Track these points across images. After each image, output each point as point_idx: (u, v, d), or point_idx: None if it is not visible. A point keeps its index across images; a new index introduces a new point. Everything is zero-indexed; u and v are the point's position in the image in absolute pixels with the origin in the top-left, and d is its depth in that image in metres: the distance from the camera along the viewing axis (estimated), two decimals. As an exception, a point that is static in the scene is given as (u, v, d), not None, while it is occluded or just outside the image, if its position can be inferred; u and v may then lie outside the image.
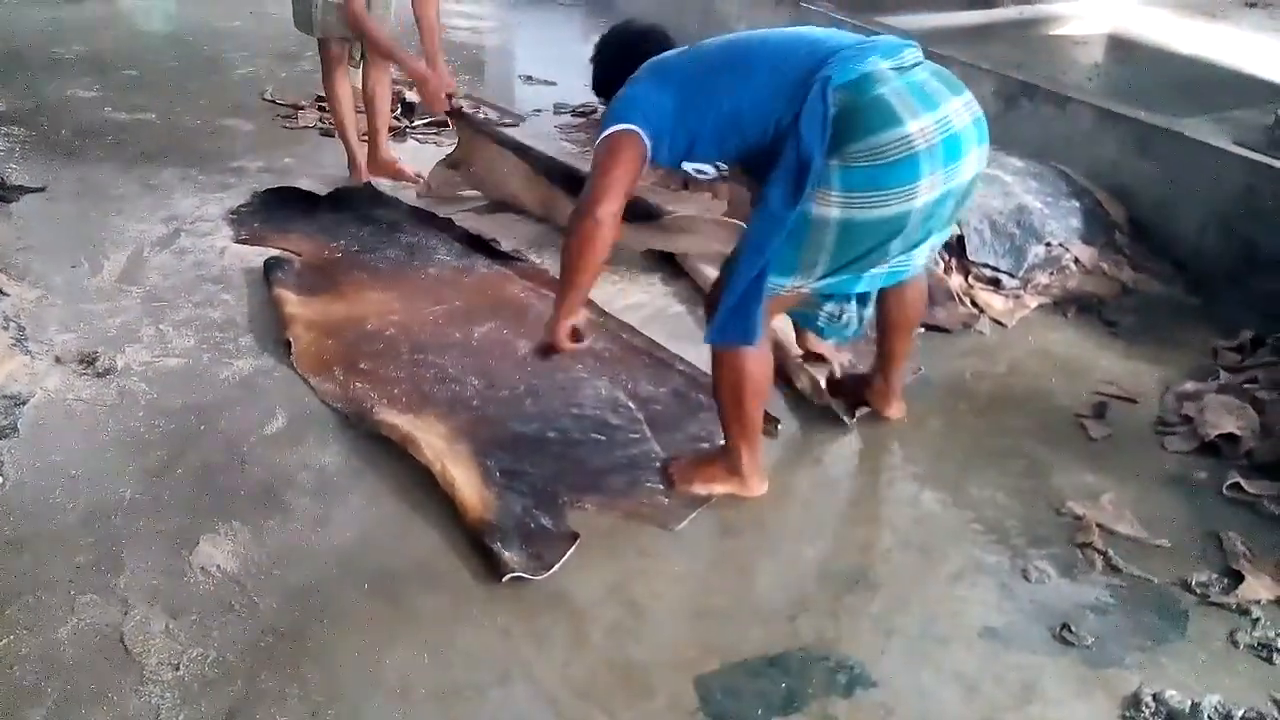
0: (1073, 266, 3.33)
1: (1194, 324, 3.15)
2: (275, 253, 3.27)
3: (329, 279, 3.16)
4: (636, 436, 2.49)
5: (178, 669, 1.78)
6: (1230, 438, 2.55)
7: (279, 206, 3.67)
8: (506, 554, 2.05)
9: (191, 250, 3.30)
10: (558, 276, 2.15)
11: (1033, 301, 3.24)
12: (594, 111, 4.66)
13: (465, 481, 2.24)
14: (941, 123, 1.93)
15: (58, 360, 2.64)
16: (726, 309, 2.04)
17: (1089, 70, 4.51)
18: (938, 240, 2.30)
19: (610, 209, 1.98)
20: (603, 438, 2.48)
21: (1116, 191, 3.62)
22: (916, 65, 2.01)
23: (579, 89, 4.98)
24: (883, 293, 2.35)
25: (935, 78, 2.01)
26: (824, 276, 2.05)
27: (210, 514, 2.15)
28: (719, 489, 2.30)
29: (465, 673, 1.82)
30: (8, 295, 2.88)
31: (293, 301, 2.97)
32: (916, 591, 2.07)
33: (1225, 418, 2.60)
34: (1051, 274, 3.30)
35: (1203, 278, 3.37)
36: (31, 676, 1.76)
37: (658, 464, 2.39)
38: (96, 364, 2.62)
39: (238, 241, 3.38)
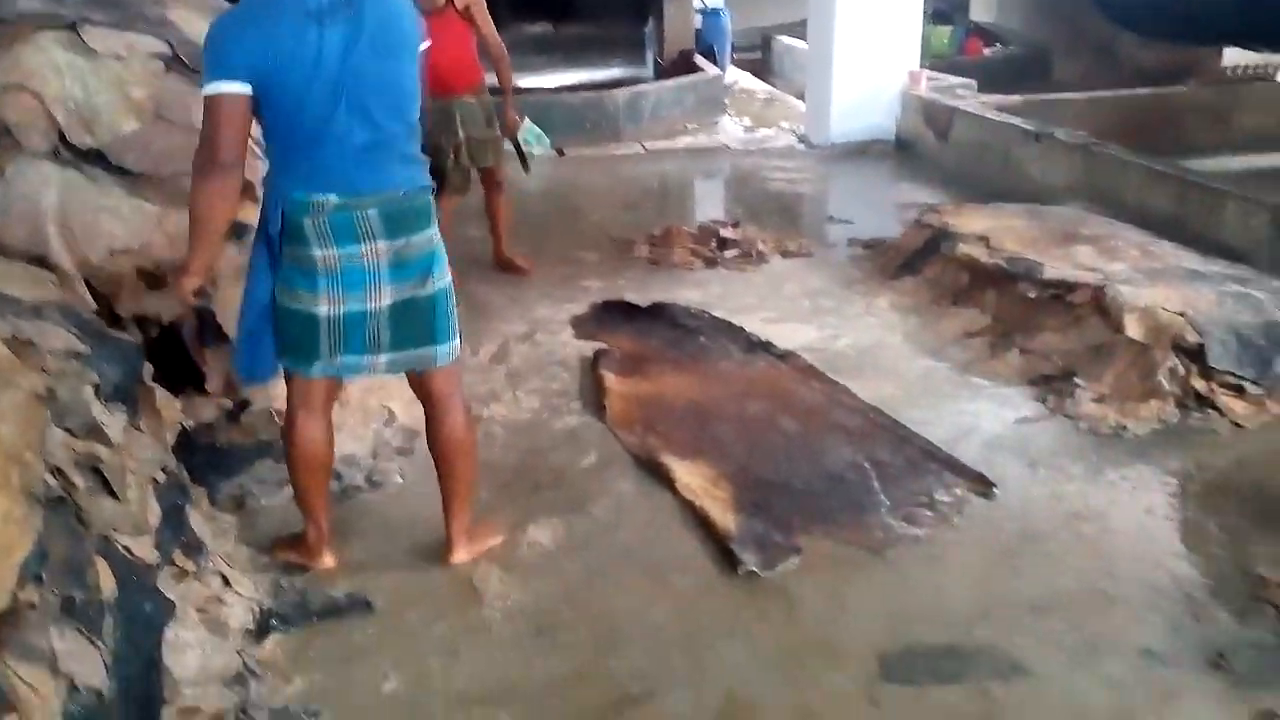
0: (1323, 378, 3.46)
1: None
2: (603, 346, 4.15)
3: (641, 366, 3.98)
4: (867, 489, 3.03)
5: (506, 601, 2.55)
6: None
7: (610, 314, 4.59)
8: (743, 554, 2.67)
9: (543, 343, 4.26)
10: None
11: (1276, 408, 3.40)
12: (880, 243, 5.27)
13: (717, 510, 2.90)
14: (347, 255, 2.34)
15: (443, 411, 3.62)
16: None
17: None
18: (401, 357, 2.49)
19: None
20: (838, 486, 3.05)
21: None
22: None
23: (874, 227, 5.64)
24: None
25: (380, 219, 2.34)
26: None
27: (539, 511, 2.94)
28: (291, 557, 2.70)
29: (703, 626, 2.44)
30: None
31: (611, 379, 3.81)
32: (1089, 622, 2.43)
33: None
34: (1300, 384, 3.46)
35: None
36: (411, 595, 2.58)
37: (883, 509, 2.91)
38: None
39: (577, 338, 4.31)
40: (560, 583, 2.63)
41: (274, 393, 3.34)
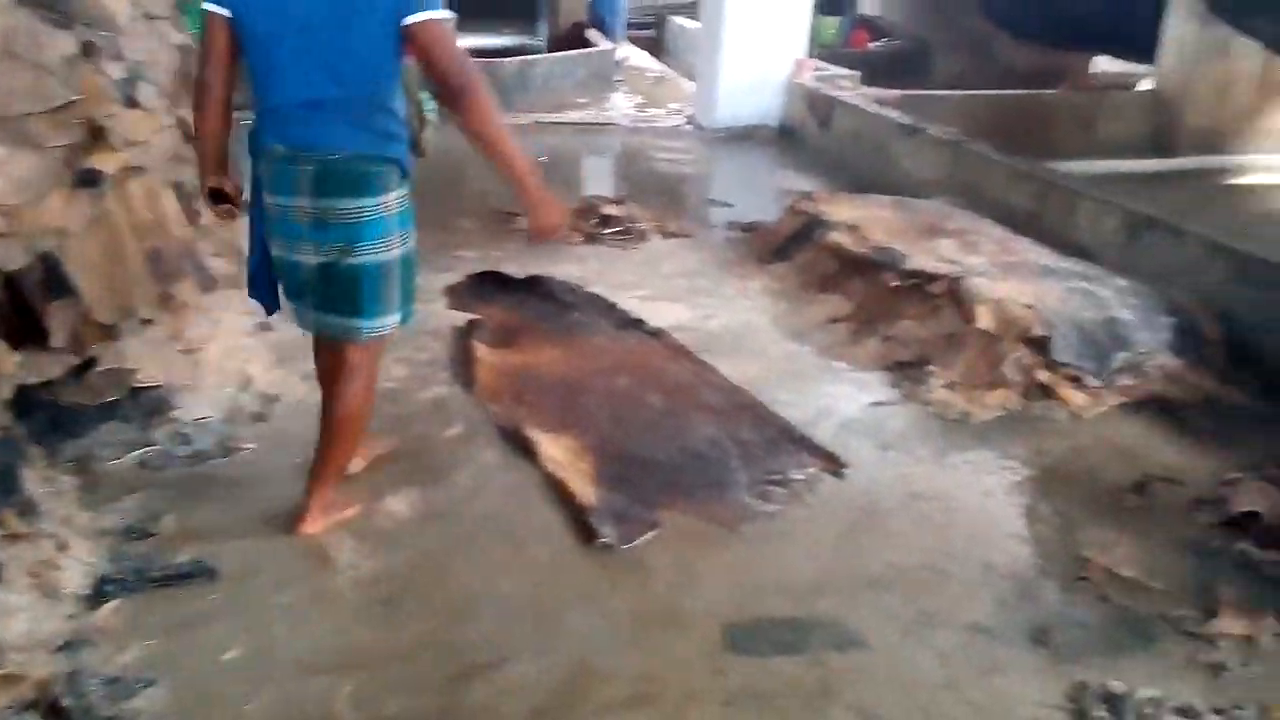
0: (1156, 373, 3.68)
1: (1267, 432, 3.42)
2: (476, 316, 4.12)
3: (513, 338, 3.96)
4: (726, 466, 3.10)
5: (356, 570, 2.53)
6: (1253, 516, 2.86)
7: (485, 285, 4.55)
8: (601, 527, 2.70)
9: (418, 312, 4.20)
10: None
11: (1113, 400, 3.61)
12: (758, 227, 5.36)
13: (579, 483, 2.92)
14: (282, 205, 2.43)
15: (304, 377, 3.52)
16: None
17: (1256, 214, 4.84)
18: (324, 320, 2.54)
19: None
20: (698, 463, 3.10)
21: (1218, 314, 3.94)
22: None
23: (754, 211, 5.73)
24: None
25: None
26: None
27: (398, 481, 2.92)
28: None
29: (556, 595, 2.47)
30: (275, 330, 3.84)
31: (482, 350, 3.78)
32: (923, 597, 2.54)
33: (1254, 498, 2.92)
34: (1135, 378, 3.67)
35: (1289, 394, 3.64)
36: (258, 563, 2.54)
37: (740, 487, 2.98)
38: (332, 380, 3.51)
39: (450, 308, 4.26)
40: (414, 552, 2.62)
41: (126, 353, 3.23)
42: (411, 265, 2.57)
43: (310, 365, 3.58)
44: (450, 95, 2.34)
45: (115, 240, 3.29)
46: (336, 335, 2.56)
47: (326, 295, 2.47)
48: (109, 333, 3.23)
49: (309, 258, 2.44)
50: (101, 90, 3.35)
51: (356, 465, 2.87)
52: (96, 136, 3.27)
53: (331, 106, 2.35)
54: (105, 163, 3.28)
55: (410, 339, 3.92)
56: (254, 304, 2.76)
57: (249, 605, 2.39)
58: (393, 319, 2.56)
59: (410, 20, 2.28)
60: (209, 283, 3.90)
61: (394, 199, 2.44)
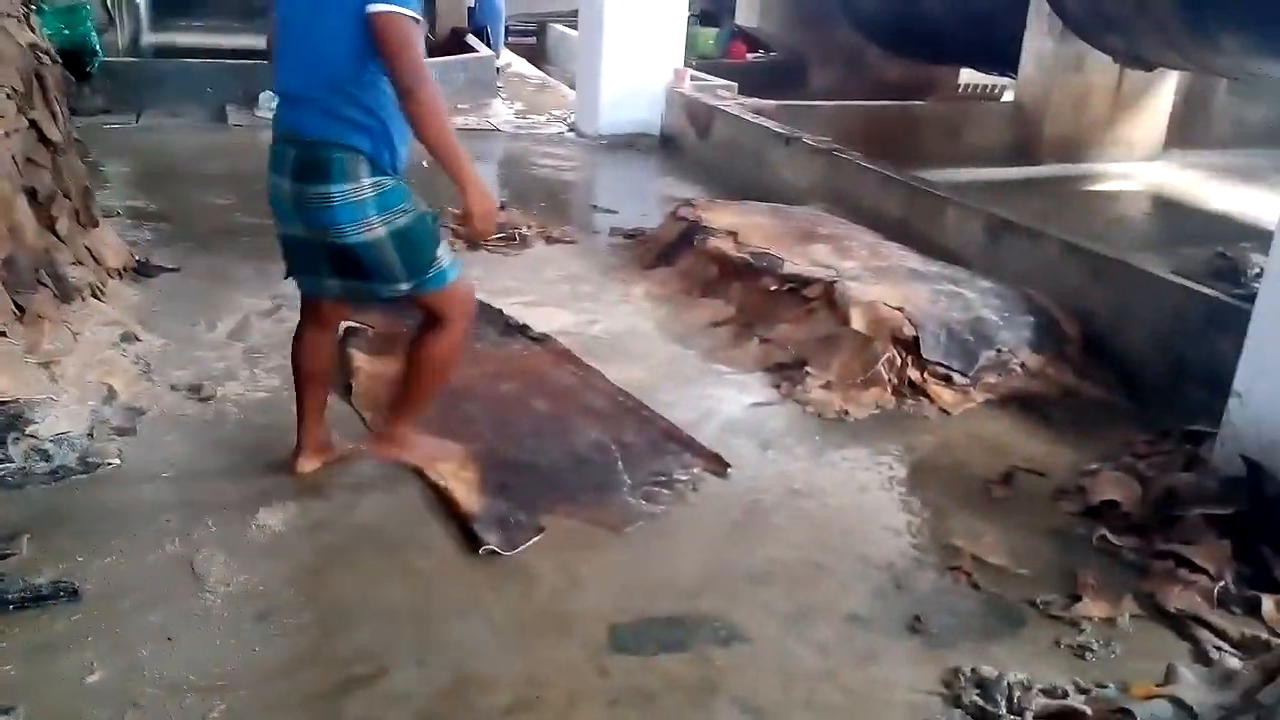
0: (1019, 370, 3.85)
1: (1123, 423, 3.61)
2: (353, 324, 4.03)
3: (392, 345, 3.88)
4: (611, 469, 3.10)
5: (229, 586, 2.44)
6: (1112, 504, 3.02)
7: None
8: (485, 534, 2.67)
9: (288, 320, 4.07)
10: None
11: (979, 396, 3.75)
12: (640, 234, 5.41)
13: (462, 491, 2.89)
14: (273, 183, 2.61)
15: (172, 388, 3.40)
16: None
17: (1110, 219, 5.10)
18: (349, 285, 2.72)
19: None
20: (583, 467, 3.10)
21: (1075, 312, 4.14)
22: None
23: (636, 218, 5.77)
24: None
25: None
26: None
27: (272, 494, 2.83)
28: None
29: (437, 604, 2.43)
30: (141, 340, 3.69)
31: (361, 358, 3.71)
32: (803, 591, 2.59)
33: (1111, 487, 3.07)
34: (999, 375, 3.83)
35: (1141, 387, 3.84)
36: (124, 582, 2.43)
37: (624, 489, 2.99)
38: (201, 391, 3.38)
39: (326, 316, 4.16)
40: (289, 566, 2.55)
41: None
42: (411, 239, 2.61)
43: (179, 374, 3.49)
44: (398, 90, 2.42)
45: (-38, 248, 3.12)
46: (370, 298, 2.82)
47: (342, 266, 2.64)
48: (-43, 345, 3.06)
49: (299, 233, 2.63)
50: (-58, 90, 3.17)
51: (311, 465, 2.96)
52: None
53: (306, 95, 2.52)
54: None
55: (282, 347, 3.81)
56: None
57: (114, 626, 2.28)
58: (421, 275, 2.66)
59: (370, 9, 2.37)
60: (67, 293, 3.73)
61: (367, 184, 2.52)
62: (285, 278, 2.85)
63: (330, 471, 2.98)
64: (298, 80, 2.54)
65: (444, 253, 2.71)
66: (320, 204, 2.51)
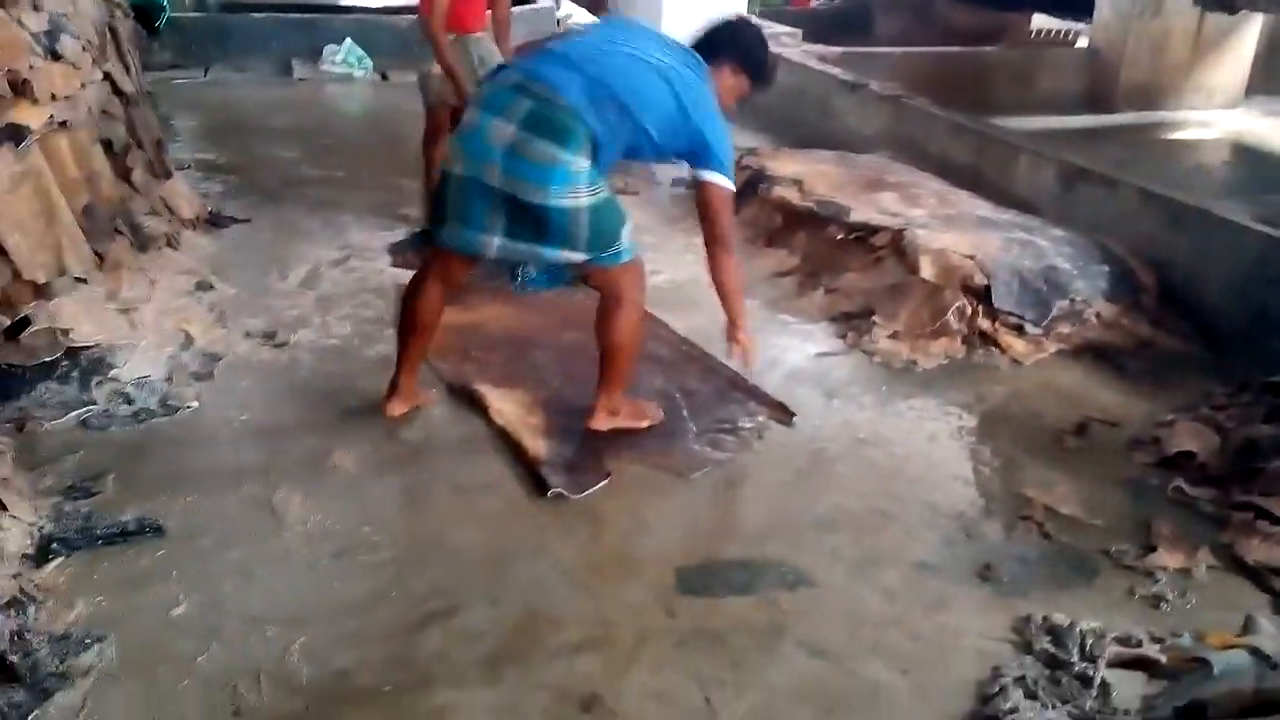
0: (1094, 320, 3.77)
1: (1200, 375, 3.52)
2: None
3: (460, 295, 3.92)
4: (675, 416, 3.11)
5: (305, 525, 2.50)
6: (1188, 455, 2.95)
7: (429, 242, 4.49)
8: (552, 478, 2.70)
9: (358, 269, 4.15)
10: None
11: (1052, 346, 3.68)
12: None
13: (529, 436, 2.92)
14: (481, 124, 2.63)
15: (246, 335, 3.48)
16: None
17: (1189, 167, 4.94)
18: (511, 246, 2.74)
19: None
20: (648, 414, 3.12)
21: (1151, 261, 4.03)
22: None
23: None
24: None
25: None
26: None
27: (345, 436, 2.89)
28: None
29: (507, 545, 2.47)
30: (215, 289, 3.77)
31: (427, 307, 3.75)
32: (869, 538, 2.59)
33: (1188, 438, 3.01)
34: (1073, 325, 3.75)
35: (1220, 337, 3.73)
36: (205, 520, 2.50)
37: (690, 436, 3.00)
38: (275, 339, 3.44)
39: (394, 265, 4.21)
40: (363, 506, 2.60)
41: (60, 313, 3.15)
42: (604, 213, 2.72)
43: (252, 321, 3.56)
44: (709, 238, 2.87)
45: (44, 198, 3.20)
46: (529, 263, 3.20)
47: (516, 225, 2.65)
48: (42, 292, 3.15)
49: (495, 180, 2.59)
50: (20, 42, 3.23)
51: (401, 409, 3.02)
52: (18, 91, 3.17)
53: (585, 74, 2.64)
54: (28, 117, 3.18)
55: (353, 296, 3.88)
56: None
57: (197, 562, 2.36)
58: (597, 252, 2.73)
59: (706, 178, 2.80)
60: (144, 242, 3.81)
61: (585, 164, 2.61)
62: (428, 226, 2.88)
63: (403, 416, 3.02)
64: (572, 71, 2.62)
65: (627, 234, 2.78)
66: (543, 161, 2.55)
